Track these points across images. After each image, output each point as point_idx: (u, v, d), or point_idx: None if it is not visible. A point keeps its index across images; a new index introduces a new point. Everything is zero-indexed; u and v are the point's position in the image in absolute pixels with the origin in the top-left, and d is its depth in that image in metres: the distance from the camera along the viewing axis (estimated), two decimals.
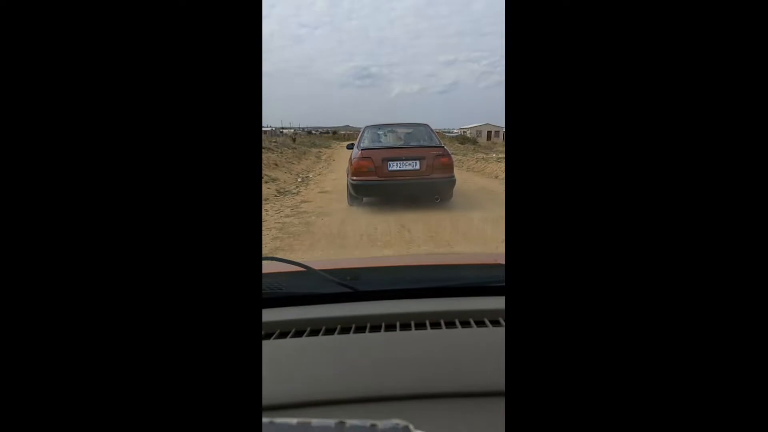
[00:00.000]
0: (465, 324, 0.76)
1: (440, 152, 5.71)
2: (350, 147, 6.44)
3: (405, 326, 0.76)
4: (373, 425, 0.28)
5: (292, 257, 1.07)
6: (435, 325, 0.76)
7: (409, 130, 6.43)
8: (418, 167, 5.56)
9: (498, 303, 0.83)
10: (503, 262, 1.04)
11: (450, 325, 0.76)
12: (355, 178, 5.60)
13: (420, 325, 0.76)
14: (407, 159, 5.58)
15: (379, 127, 6.54)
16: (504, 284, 0.90)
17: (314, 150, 21.74)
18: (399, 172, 5.55)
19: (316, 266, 0.93)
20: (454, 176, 5.74)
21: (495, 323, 0.76)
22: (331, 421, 0.28)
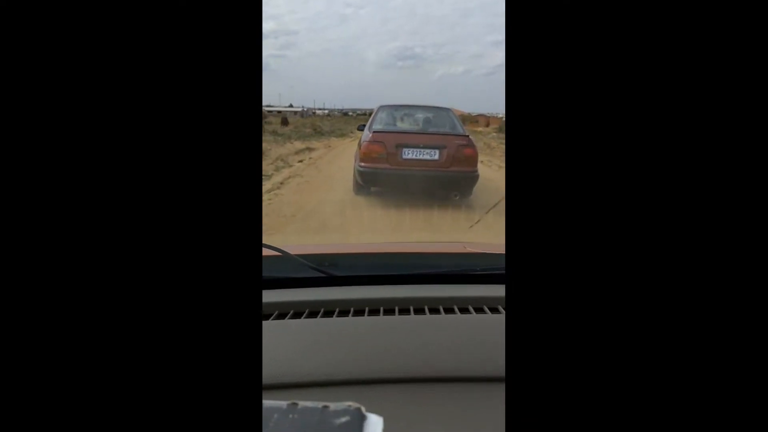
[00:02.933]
0: (434, 311, 0.76)
1: (464, 142, 4.93)
2: (361, 128, 5.71)
3: (374, 312, 0.76)
4: (325, 407, 0.28)
5: None
6: (404, 311, 0.76)
7: (430, 114, 5.64)
8: (437, 157, 4.80)
9: (467, 291, 0.84)
10: (472, 250, 1.14)
11: (419, 311, 0.76)
12: (363, 164, 4.87)
13: (389, 311, 0.76)
14: (425, 147, 4.81)
15: (396, 108, 5.77)
16: (471, 273, 0.94)
17: (293, 146, 11.36)
18: (414, 161, 4.79)
19: (293, 251, 0.92)
20: (477, 171, 4.96)
21: (464, 311, 0.76)
22: (283, 402, 0.28)
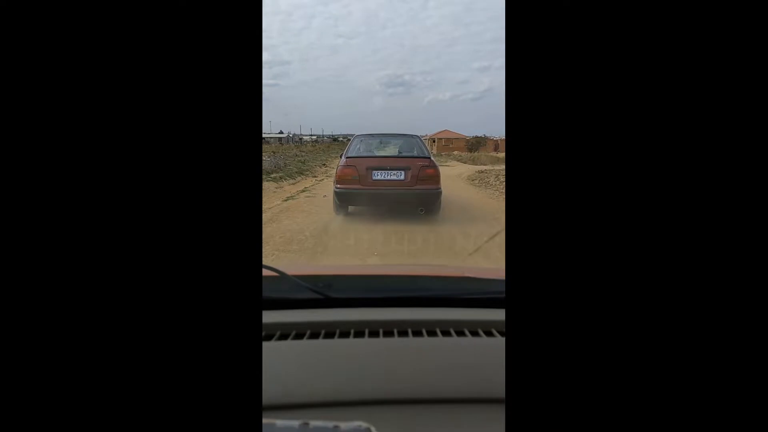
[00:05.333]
0: (431, 333, 0.78)
1: (426, 163, 5.67)
2: None
3: (373, 333, 0.77)
4: (336, 426, 0.28)
5: None
6: (402, 333, 0.78)
7: (399, 141, 6.41)
8: (402, 177, 5.52)
9: (462, 314, 0.85)
10: (470, 275, 1.08)
11: (417, 334, 0.78)
12: (339, 186, 5.63)
13: (388, 333, 0.78)
14: (392, 169, 5.55)
15: (369, 136, 6.55)
16: (467, 297, 0.92)
17: None
18: (383, 182, 5.52)
19: (290, 272, 0.92)
20: (440, 188, 5.67)
21: (460, 334, 0.78)
22: (295, 422, 0.29)
